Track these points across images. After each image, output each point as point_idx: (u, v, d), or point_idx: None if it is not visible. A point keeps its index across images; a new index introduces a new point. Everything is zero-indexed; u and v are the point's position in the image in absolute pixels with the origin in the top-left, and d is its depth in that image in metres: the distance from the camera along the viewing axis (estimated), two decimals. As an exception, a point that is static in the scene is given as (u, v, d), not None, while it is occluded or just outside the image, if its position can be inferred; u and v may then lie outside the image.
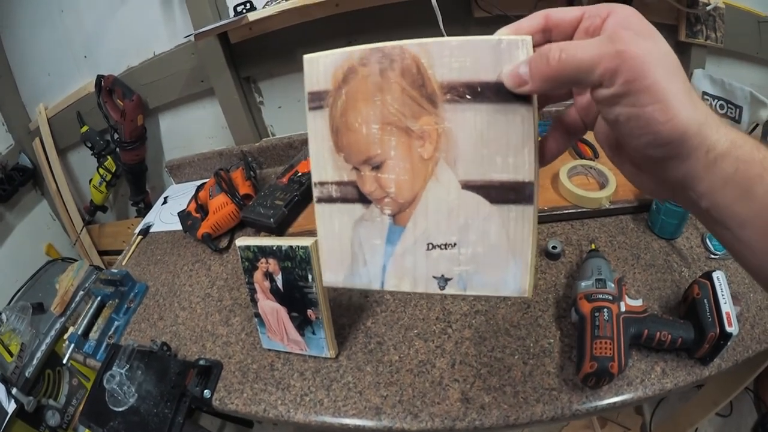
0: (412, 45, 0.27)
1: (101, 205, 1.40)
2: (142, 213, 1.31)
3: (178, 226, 1.02)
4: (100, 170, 1.30)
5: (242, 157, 1.14)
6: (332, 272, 0.33)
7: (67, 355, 0.83)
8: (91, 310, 0.88)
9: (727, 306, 0.56)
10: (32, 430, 1.11)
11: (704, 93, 1.00)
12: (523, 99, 0.26)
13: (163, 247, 1.04)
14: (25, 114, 1.38)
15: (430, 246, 0.30)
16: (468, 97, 0.26)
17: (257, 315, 0.71)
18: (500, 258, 0.28)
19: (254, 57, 1.09)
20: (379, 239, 0.31)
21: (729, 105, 0.98)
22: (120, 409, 0.71)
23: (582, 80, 0.24)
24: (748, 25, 0.98)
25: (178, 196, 1.21)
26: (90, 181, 1.35)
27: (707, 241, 0.75)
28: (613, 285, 0.63)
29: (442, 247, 0.29)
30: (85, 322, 0.86)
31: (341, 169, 0.31)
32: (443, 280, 0.30)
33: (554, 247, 0.76)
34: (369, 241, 0.31)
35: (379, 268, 0.31)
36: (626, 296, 0.62)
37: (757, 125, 0.99)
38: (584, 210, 0.82)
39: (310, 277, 0.63)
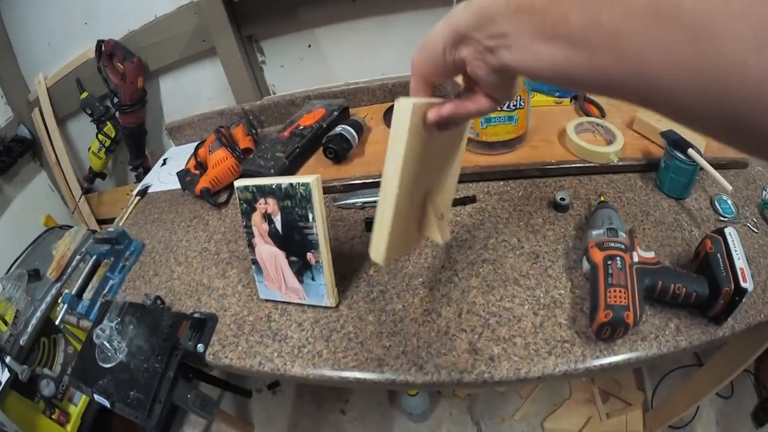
0: None
1: (100, 172, 1.38)
2: (141, 178, 1.29)
3: (177, 186, 1.00)
4: (99, 136, 1.28)
5: (243, 115, 1.11)
6: None
7: (59, 317, 0.80)
8: (86, 270, 0.85)
9: (741, 261, 0.53)
10: (26, 401, 1.08)
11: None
12: None
13: (160, 206, 1.02)
14: (24, 85, 1.36)
15: None
16: None
17: (254, 262, 0.68)
18: None
19: (257, 15, 1.06)
20: None
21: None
22: (109, 366, 0.68)
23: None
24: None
25: (178, 157, 1.19)
26: (89, 148, 1.33)
27: (716, 203, 0.72)
28: (624, 235, 0.60)
29: None
30: (79, 282, 0.83)
31: None
32: None
33: (562, 199, 0.74)
34: None
35: None
36: (638, 247, 0.59)
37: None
38: (592, 165, 0.80)
39: (310, 216, 0.60)
